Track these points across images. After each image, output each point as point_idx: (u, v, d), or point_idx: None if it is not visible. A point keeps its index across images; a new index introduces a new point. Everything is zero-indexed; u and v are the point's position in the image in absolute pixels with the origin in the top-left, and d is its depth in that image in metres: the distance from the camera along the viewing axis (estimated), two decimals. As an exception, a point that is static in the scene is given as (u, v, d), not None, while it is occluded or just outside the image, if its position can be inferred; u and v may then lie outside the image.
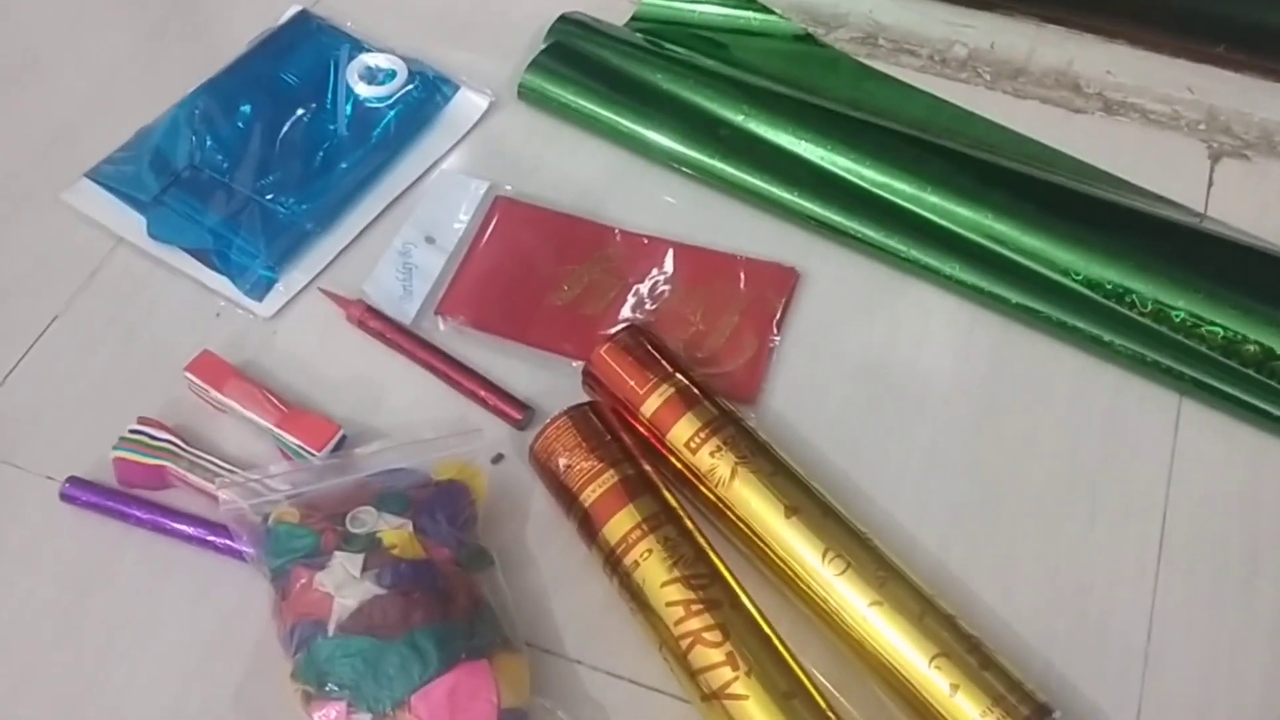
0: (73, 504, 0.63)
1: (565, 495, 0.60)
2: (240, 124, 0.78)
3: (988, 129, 0.79)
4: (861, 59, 0.84)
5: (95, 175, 0.77)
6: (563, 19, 0.84)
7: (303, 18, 0.85)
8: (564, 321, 0.70)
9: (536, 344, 0.70)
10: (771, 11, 0.86)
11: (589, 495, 0.58)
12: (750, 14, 0.86)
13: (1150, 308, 0.67)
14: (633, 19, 0.86)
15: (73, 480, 0.64)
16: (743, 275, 0.72)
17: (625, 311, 0.71)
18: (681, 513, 0.58)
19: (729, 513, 0.59)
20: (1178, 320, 0.67)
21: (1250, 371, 0.65)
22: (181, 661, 0.60)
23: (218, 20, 0.87)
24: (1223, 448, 0.65)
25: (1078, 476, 0.64)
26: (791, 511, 0.57)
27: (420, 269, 0.72)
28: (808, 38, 0.85)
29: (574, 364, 0.68)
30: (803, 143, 0.76)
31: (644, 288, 0.72)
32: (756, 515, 0.57)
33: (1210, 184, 0.76)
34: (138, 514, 0.63)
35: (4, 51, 0.87)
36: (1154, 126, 0.80)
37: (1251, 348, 0.66)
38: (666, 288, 0.72)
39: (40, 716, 0.58)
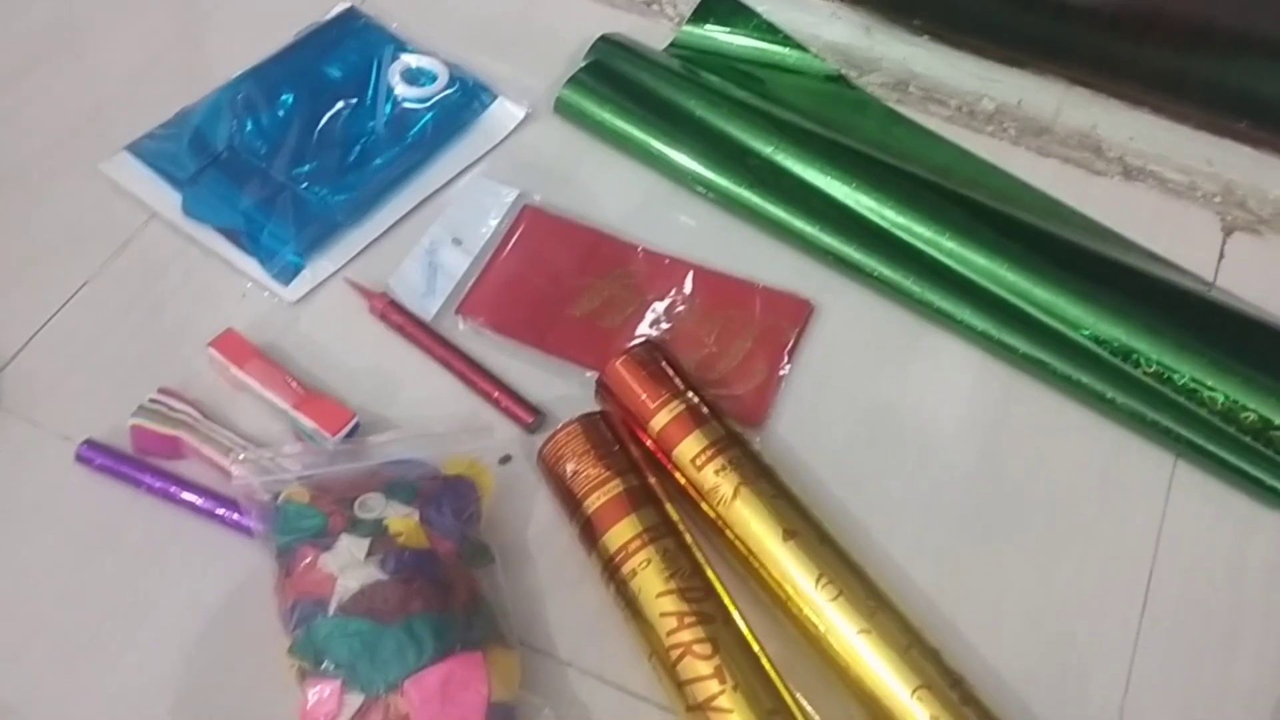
0: (87, 466, 0.65)
1: (570, 500, 0.61)
2: (281, 112, 0.80)
3: (1008, 183, 0.81)
4: (891, 104, 0.86)
5: (135, 149, 0.78)
6: (604, 39, 0.86)
7: (350, 14, 0.87)
8: (581, 332, 0.72)
9: (552, 351, 0.71)
10: (807, 50, 0.87)
11: (593, 502, 0.60)
12: (786, 50, 0.88)
13: (1154, 368, 0.69)
14: (671, 45, 0.88)
15: (89, 442, 0.65)
16: (759, 303, 0.73)
17: (642, 328, 0.72)
18: (682, 527, 0.59)
19: (727, 531, 0.60)
20: (1180, 383, 0.68)
21: (1247, 439, 0.67)
22: (180, 630, 0.61)
23: (264, 9, 0.89)
24: (1214, 513, 0.66)
25: (1070, 528, 0.66)
26: (789, 535, 0.58)
27: (445, 269, 0.74)
28: (840, 79, 0.87)
29: (587, 374, 0.69)
30: (828, 179, 0.77)
31: (661, 306, 0.73)
32: (755, 536, 0.59)
33: (1221, 255, 0.78)
34: (150, 481, 0.64)
35: (52, 21, 0.88)
36: (1171, 195, 0.81)
37: (1250, 416, 0.67)
38: (683, 308, 0.73)
39: (39, 672, 0.60)
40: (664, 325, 0.72)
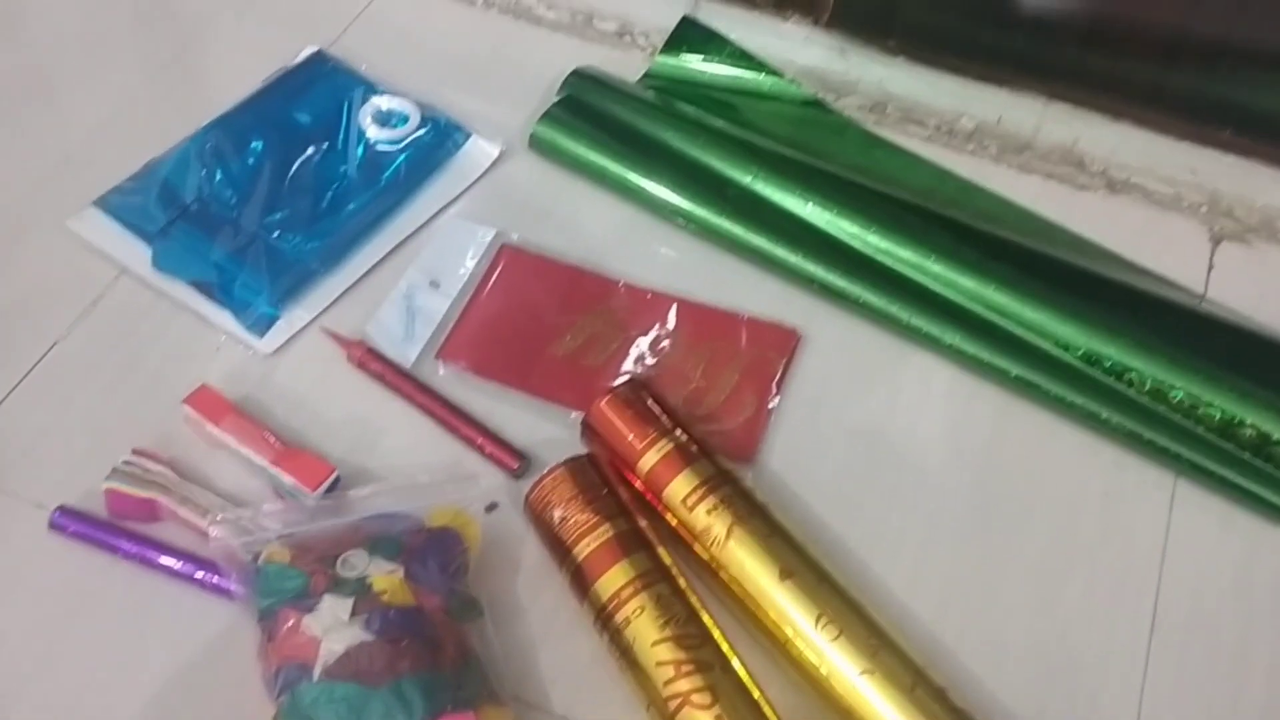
0: (61, 533, 0.63)
1: (559, 548, 0.59)
2: (250, 160, 0.79)
3: (991, 202, 0.80)
4: (869, 127, 0.85)
5: (102, 204, 0.77)
6: (576, 73, 0.85)
7: (318, 58, 0.86)
8: (564, 372, 0.70)
9: (536, 393, 0.70)
10: (782, 76, 0.86)
11: (583, 549, 0.58)
12: (761, 77, 0.87)
13: (1149, 386, 0.68)
14: (645, 76, 0.87)
15: (62, 509, 0.63)
16: (744, 334, 0.72)
17: (626, 364, 0.71)
18: (675, 571, 0.58)
19: (722, 573, 0.58)
20: (1176, 400, 0.67)
21: (1246, 455, 0.65)
22: (163, 699, 0.59)
23: (233, 56, 0.88)
24: (1217, 530, 0.65)
25: (1072, 552, 0.64)
26: (786, 574, 0.57)
27: (423, 313, 0.72)
28: (816, 103, 0.86)
29: (573, 415, 0.67)
30: (809, 205, 0.76)
31: (646, 342, 0.72)
32: (750, 577, 0.57)
33: (1211, 266, 0.77)
34: (126, 546, 0.62)
35: (16, 74, 0.87)
36: (1156, 207, 0.80)
37: (1248, 431, 0.66)
38: (668, 343, 0.72)
39: (15, 748, 0.58)
40: (649, 361, 0.71)
